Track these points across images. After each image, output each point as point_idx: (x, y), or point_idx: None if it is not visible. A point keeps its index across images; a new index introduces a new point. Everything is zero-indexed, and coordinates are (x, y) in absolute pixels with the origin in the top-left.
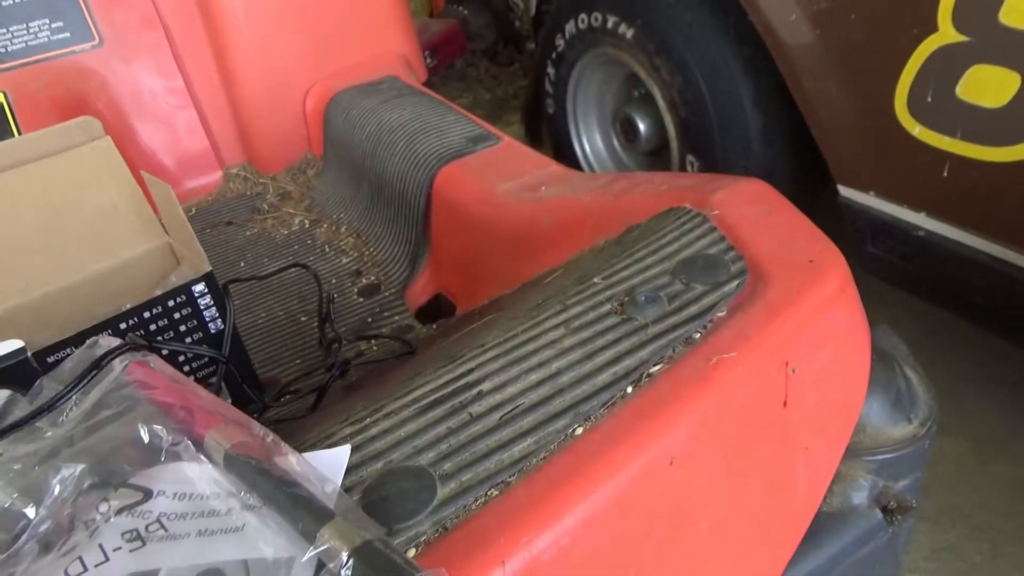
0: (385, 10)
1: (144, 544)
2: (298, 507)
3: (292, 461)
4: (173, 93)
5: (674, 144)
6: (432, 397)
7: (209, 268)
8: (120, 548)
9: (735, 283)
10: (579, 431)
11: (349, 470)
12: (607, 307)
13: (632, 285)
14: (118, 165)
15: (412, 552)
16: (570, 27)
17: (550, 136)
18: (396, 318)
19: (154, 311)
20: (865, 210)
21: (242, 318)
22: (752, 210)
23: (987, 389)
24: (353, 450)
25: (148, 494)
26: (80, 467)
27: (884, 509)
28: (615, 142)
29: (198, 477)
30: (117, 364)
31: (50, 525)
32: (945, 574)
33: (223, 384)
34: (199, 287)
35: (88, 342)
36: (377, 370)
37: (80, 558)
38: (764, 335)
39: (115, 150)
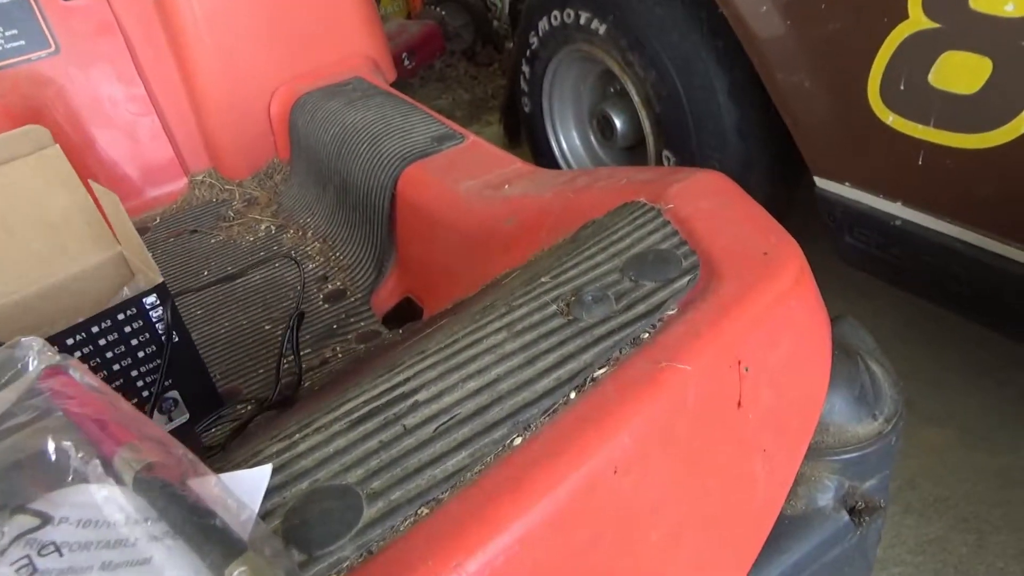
0: (350, 11)
1: None
2: (208, 539)
3: (210, 483)
4: (134, 100)
5: (650, 140)
6: (365, 409)
7: (161, 279)
8: None
9: (686, 279)
10: (517, 441)
11: (271, 491)
12: (552, 308)
13: (580, 284)
14: (68, 174)
15: None
16: (543, 24)
17: (528, 135)
18: (362, 324)
19: (103, 325)
20: (842, 201)
21: (204, 328)
22: (707, 203)
23: (971, 378)
24: (278, 469)
25: (48, 520)
26: None
27: (851, 511)
28: (592, 139)
29: (104, 502)
30: (31, 368)
31: None
32: (932, 567)
33: (179, 399)
34: (150, 299)
35: (8, 343)
36: (339, 377)
37: None
38: (715, 333)
39: (64, 159)
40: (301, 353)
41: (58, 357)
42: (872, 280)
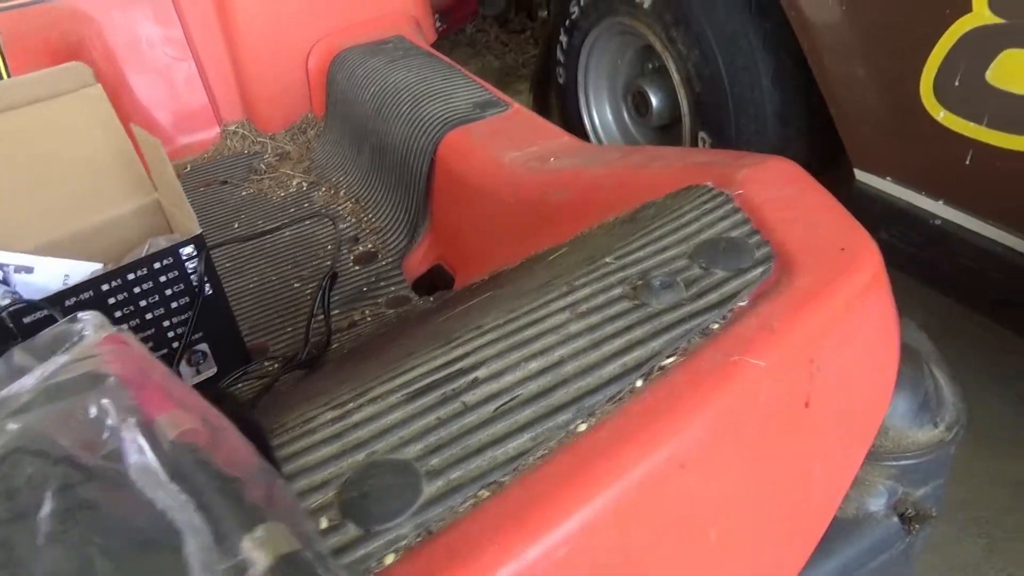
0: None
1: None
2: (229, 506)
3: (239, 451)
4: (171, 43)
5: (686, 120)
6: (422, 383)
7: (199, 231)
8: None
9: (759, 270)
10: (582, 427)
11: (328, 460)
12: (618, 291)
13: (646, 268)
14: (108, 116)
15: (391, 558)
16: None
17: (559, 106)
18: (392, 288)
19: (139, 273)
20: (881, 196)
21: (233, 282)
22: (780, 191)
23: (992, 384)
24: (334, 438)
25: (88, 474)
26: (15, 427)
27: (902, 517)
28: (625, 115)
29: (134, 463)
30: (91, 336)
31: None
32: (941, 570)
33: (208, 352)
34: (187, 250)
35: (69, 316)
36: (369, 341)
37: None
38: (789, 329)
39: (106, 99)
40: (330, 314)
41: (114, 329)
42: (902, 277)
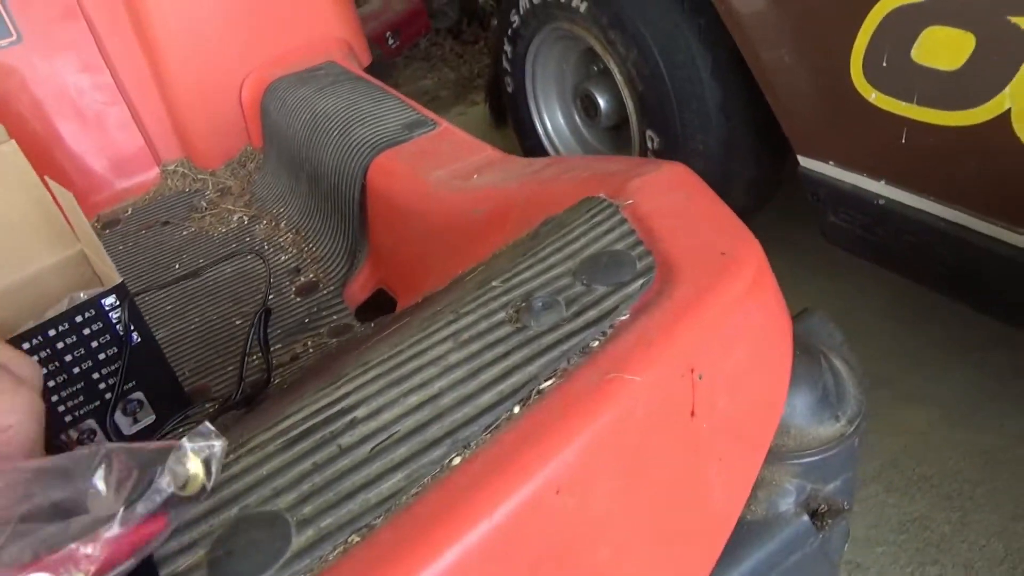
0: None
1: None
2: None
3: None
4: (101, 89)
5: (633, 120)
6: (302, 427)
7: (119, 280)
8: None
9: (639, 283)
10: (456, 461)
11: (199, 519)
12: (501, 315)
13: (531, 289)
14: (24, 171)
15: None
16: (524, 2)
17: (512, 115)
18: (334, 317)
19: (61, 328)
20: (825, 180)
21: (174, 324)
22: (668, 199)
23: (954, 356)
24: (210, 493)
25: None
26: None
27: (813, 514)
28: (577, 119)
29: None
30: None
31: None
32: (914, 545)
33: (144, 400)
34: (109, 300)
35: None
36: (308, 373)
37: None
38: (666, 341)
39: (20, 155)
40: (271, 349)
41: None
42: (854, 257)
